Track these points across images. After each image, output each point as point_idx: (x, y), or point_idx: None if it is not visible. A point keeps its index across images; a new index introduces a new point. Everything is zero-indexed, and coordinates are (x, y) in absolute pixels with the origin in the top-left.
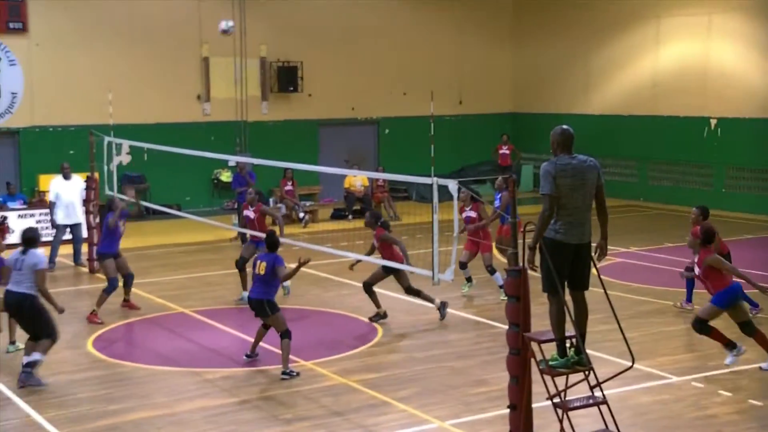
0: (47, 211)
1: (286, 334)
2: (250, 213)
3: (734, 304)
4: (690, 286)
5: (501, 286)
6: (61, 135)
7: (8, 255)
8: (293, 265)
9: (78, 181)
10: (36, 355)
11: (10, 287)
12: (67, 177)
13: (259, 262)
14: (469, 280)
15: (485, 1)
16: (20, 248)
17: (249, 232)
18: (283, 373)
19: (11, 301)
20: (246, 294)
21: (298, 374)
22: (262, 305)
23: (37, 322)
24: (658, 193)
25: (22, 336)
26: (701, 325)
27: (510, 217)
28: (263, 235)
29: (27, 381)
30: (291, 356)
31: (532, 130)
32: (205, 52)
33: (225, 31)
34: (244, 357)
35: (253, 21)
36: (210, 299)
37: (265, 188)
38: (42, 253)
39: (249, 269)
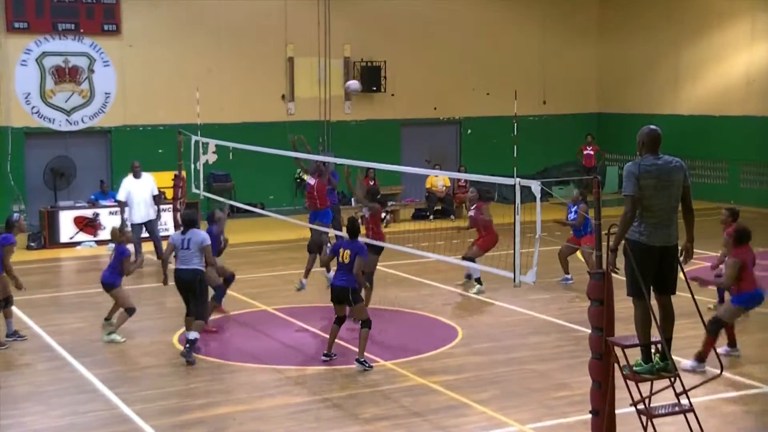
0: None
1: (366, 324)
2: (311, 180)
3: (751, 307)
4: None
5: (475, 279)
6: (151, 134)
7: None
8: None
9: (148, 179)
10: (193, 335)
11: (179, 266)
12: (137, 176)
13: (342, 249)
14: (478, 281)
15: None
16: (181, 230)
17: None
18: (357, 360)
19: (184, 278)
20: (305, 281)
21: (371, 367)
22: (347, 293)
23: (200, 298)
24: (749, 195)
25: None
26: (715, 327)
27: (594, 219)
28: (319, 207)
29: (187, 356)
30: (372, 356)
31: (617, 131)
32: (289, 52)
33: (353, 91)
34: (322, 358)
35: (337, 20)
36: (292, 297)
37: (347, 188)
38: (204, 233)
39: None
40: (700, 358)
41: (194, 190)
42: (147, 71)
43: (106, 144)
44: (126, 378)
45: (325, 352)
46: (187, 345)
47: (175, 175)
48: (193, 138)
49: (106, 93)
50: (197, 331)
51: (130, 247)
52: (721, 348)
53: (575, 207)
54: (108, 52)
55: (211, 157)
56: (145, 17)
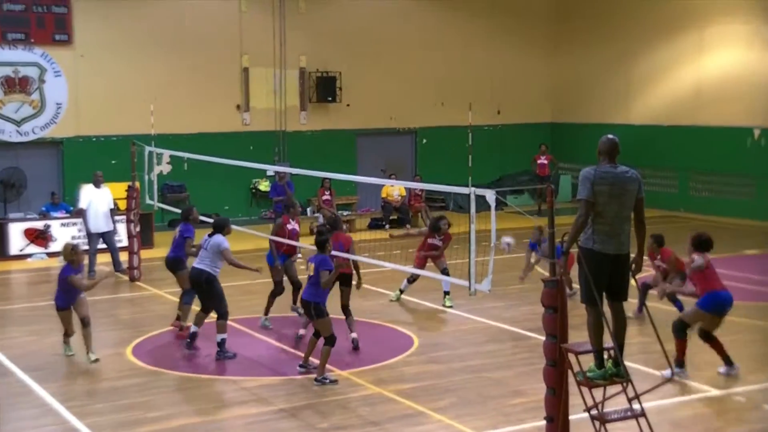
0: None
1: (329, 341)
2: (296, 226)
3: (721, 312)
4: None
5: (446, 292)
6: (104, 145)
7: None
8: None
9: (106, 191)
10: (220, 336)
11: (195, 263)
12: (98, 185)
13: (309, 263)
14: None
15: (524, 9)
16: (210, 232)
17: (297, 244)
18: (316, 379)
19: (193, 274)
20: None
21: (334, 381)
22: (309, 307)
23: (209, 297)
24: (698, 203)
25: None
26: (680, 327)
27: (548, 227)
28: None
29: (223, 357)
30: (329, 366)
31: (570, 140)
32: (245, 63)
33: (506, 246)
34: (298, 368)
35: (292, 31)
36: (248, 308)
37: (303, 198)
38: (223, 238)
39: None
40: (679, 363)
41: (148, 201)
42: (100, 81)
43: (57, 155)
44: (78, 391)
45: (301, 363)
46: (218, 351)
47: (129, 186)
48: (147, 149)
49: (57, 103)
50: (221, 331)
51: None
52: (722, 368)
53: (536, 246)
54: (59, 62)
55: (166, 168)
56: (97, 27)
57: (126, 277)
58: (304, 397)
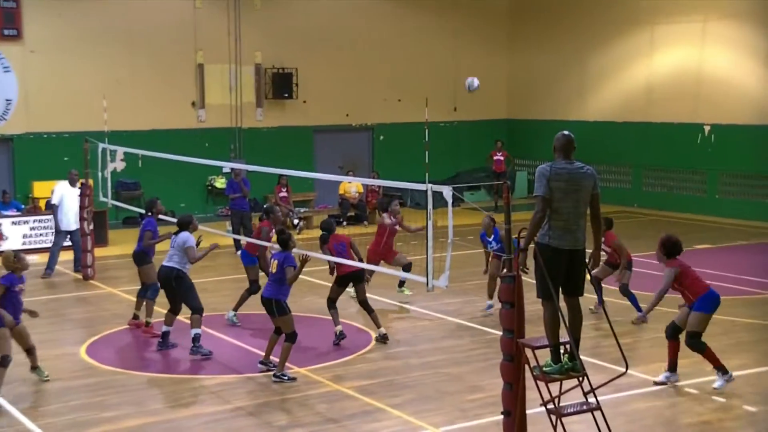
0: (41, 218)
1: (290, 337)
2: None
3: (713, 311)
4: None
5: (402, 282)
6: (56, 142)
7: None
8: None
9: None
10: (194, 331)
11: (164, 262)
12: (72, 184)
13: (272, 260)
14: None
15: (480, 8)
16: (176, 230)
17: (268, 244)
18: (275, 375)
19: (162, 273)
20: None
21: (293, 379)
22: (271, 305)
23: (181, 293)
24: (651, 199)
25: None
26: (696, 341)
27: (504, 224)
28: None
29: (197, 353)
30: (287, 363)
31: (526, 137)
32: (199, 59)
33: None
34: (258, 365)
35: (248, 27)
36: (205, 306)
37: (260, 195)
38: (189, 235)
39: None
40: (671, 367)
41: (102, 199)
42: (51, 77)
43: (7, 152)
44: (30, 393)
45: (262, 360)
46: (192, 346)
47: (82, 184)
48: (100, 145)
49: (7, 100)
50: (196, 326)
51: (39, 258)
52: (719, 381)
53: (493, 237)
54: (9, 57)
55: (119, 165)
56: (48, 23)
57: (80, 276)
58: (262, 395)
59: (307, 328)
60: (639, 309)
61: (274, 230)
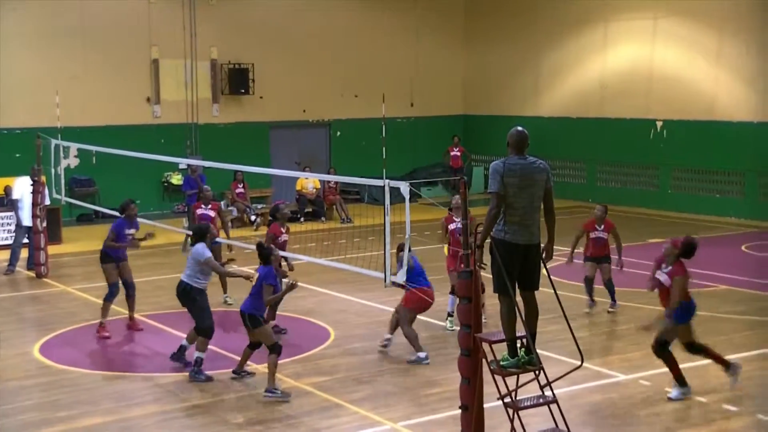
0: None
1: (273, 349)
2: (209, 212)
3: (688, 320)
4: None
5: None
6: (7, 138)
7: None
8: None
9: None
10: (197, 354)
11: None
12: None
13: (255, 273)
14: None
15: (437, 4)
16: (192, 241)
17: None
18: (267, 390)
19: (178, 288)
20: (227, 297)
21: (287, 395)
22: (244, 318)
23: (190, 309)
24: (605, 194)
25: None
26: (663, 349)
27: (461, 219)
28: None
29: (195, 378)
30: (237, 358)
31: (482, 132)
32: (154, 54)
33: None
34: (232, 374)
35: (203, 23)
36: (159, 303)
37: (217, 191)
38: (203, 246)
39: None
40: (680, 382)
41: (55, 196)
42: (3, 72)
43: None
44: None
45: (235, 369)
46: (193, 369)
47: (34, 181)
48: (53, 142)
49: None
50: (198, 349)
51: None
52: (675, 391)
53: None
54: None
55: (73, 161)
56: (1, 17)
57: (33, 274)
58: (218, 392)
59: None
60: (614, 299)
61: (284, 232)
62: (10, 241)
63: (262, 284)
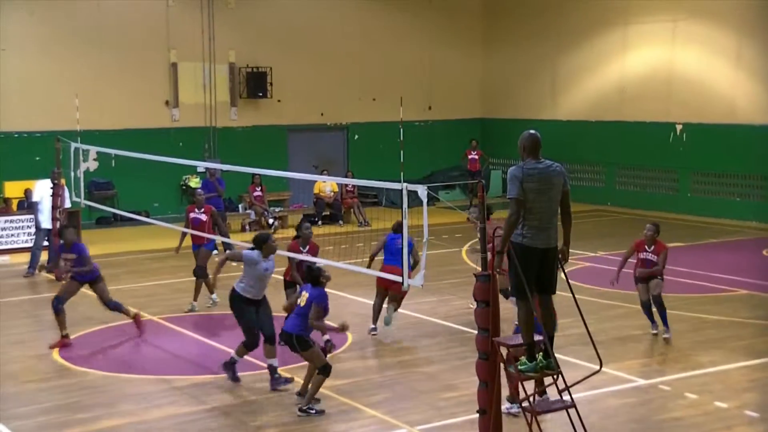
0: (14, 218)
1: (324, 370)
2: (201, 216)
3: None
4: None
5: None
6: (27, 141)
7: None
8: (332, 324)
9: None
10: (268, 361)
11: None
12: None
13: (303, 292)
14: None
15: (455, 7)
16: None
17: (206, 235)
18: (301, 409)
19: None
20: (195, 304)
21: (321, 412)
22: (291, 340)
23: (237, 319)
24: (624, 197)
25: None
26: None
27: (479, 222)
28: (211, 237)
29: (275, 385)
30: (259, 362)
31: (500, 136)
32: (173, 58)
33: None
34: (297, 406)
35: (221, 26)
36: (178, 306)
37: (234, 194)
38: (250, 251)
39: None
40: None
41: (75, 199)
42: (23, 76)
43: None
44: (2, 395)
45: (298, 390)
46: (272, 378)
47: (54, 184)
48: (73, 145)
49: None
50: (270, 356)
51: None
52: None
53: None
54: None
55: (92, 165)
56: (20, 21)
57: (53, 276)
58: (237, 395)
59: (279, 328)
60: (667, 325)
61: (304, 251)
62: (30, 244)
63: (312, 305)
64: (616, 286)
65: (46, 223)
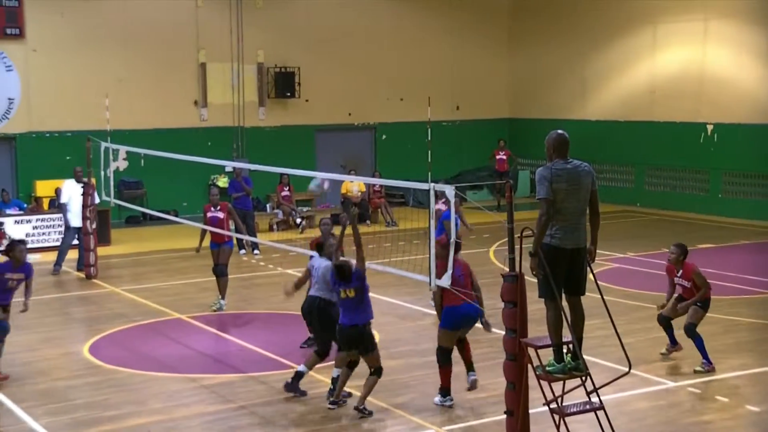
0: (44, 216)
1: (378, 372)
2: (218, 213)
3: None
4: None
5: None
6: (58, 141)
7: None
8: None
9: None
10: (300, 367)
11: (310, 291)
12: (79, 180)
13: (343, 289)
14: None
15: (482, 6)
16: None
17: (223, 232)
18: (356, 408)
19: (305, 303)
20: (224, 302)
21: (370, 413)
22: (360, 332)
23: (319, 327)
24: (654, 198)
25: None
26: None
27: (507, 223)
28: (229, 234)
29: (288, 388)
30: (289, 362)
31: (528, 136)
32: (202, 58)
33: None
34: (328, 406)
35: (250, 26)
36: (206, 305)
37: (262, 194)
38: (319, 257)
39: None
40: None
41: (104, 198)
42: (53, 76)
43: (10, 151)
44: (32, 391)
45: (332, 399)
46: (294, 377)
47: (84, 183)
48: (103, 144)
49: (9, 99)
50: (305, 364)
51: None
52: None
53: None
54: (11, 56)
55: (122, 164)
56: (50, 21)
57: (83, 275)
58: (264, 394)
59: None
60: (706, 357)
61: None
62: (59, 243)
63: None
64: (646, 287)
65: (74, 221)
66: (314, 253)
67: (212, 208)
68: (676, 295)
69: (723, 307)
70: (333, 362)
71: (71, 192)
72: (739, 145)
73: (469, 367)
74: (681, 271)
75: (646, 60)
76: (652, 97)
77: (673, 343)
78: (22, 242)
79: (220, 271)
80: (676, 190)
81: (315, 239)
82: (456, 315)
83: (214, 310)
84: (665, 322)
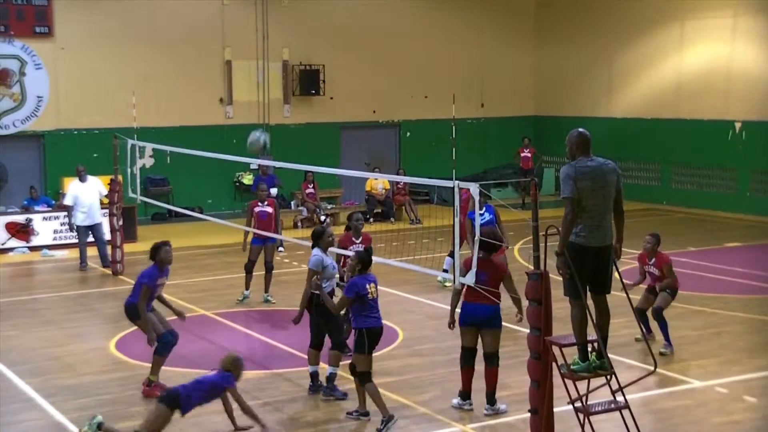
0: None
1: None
2: (267, 209)
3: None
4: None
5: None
6: (86, 138)
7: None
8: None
9: (95, 182)
10: (330, 370)
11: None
12: (82, 179)
13: (369, 284)
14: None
15: (507, 3)
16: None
17: (270, 235)
18: (350, 413)
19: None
20: (248, 293)
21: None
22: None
23: (322, 323)
24: (680, 196)
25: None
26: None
27: (532, 221)
28: (270, 234)
29: (327, 395)
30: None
31: (553, 133)
32: (227, 56)
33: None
34: (350, 416)
35: (275, 24)
36: (231, 301)
37: (287, 191)
38: (316, 253)
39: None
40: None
41: (131, 195)
42: (81, 74)
43: (38, 148)
44: (61, 386)
45: (353, 411)
46: (326, 385)
47: (111, 180)
48: (129, 142)
49: (38, 96)
50: (334, 364)
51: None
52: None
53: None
54: (40, 54)
55: (148, 161)
56: (78, 20)
57: (109, 271)
58: (288, 390)
59: None
60: (667, 339)
61: (357, 242)
62: (76, 240)
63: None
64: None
65: (82, 220)
66: (319, 252)
67: (260, 204)
68: (645, 286)
69: (751, 307)
70: (346, 361)
71: (77, 192)
72: (767, 143)
73: (489, 398)
74: (654, 259)
75: (673, 57)
76: (679, 95)
77: (648, 332)
78: (166, 243)
79: (269, 267)
80: (703, 188)
81: (341, 237)
82: (463, 311)
83: (240, 300)
84: (641, 314)
